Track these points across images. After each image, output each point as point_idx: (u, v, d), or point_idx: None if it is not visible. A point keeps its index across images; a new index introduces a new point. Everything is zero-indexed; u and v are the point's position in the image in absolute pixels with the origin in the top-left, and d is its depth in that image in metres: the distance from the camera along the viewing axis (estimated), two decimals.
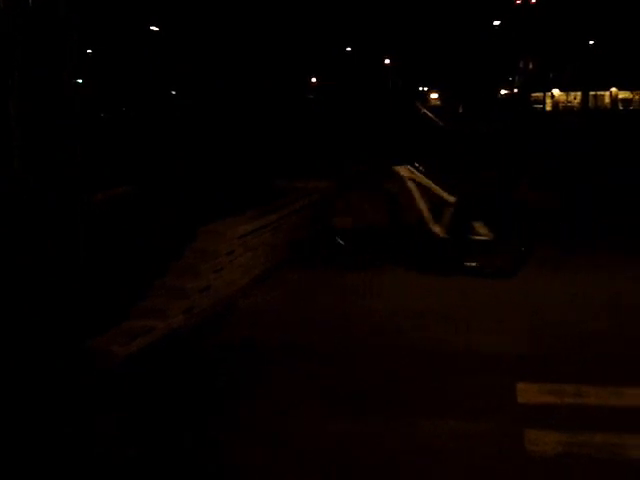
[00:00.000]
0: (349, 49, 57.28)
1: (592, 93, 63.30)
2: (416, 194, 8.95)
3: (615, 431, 4.68)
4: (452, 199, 8.95)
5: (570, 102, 67.17)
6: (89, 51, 47.24)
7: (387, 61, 60.87)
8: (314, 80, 58.60)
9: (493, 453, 4.46)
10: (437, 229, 8.89)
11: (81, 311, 6.20)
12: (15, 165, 6.02)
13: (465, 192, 8.94)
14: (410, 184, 8.98)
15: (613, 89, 66.81)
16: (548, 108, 62.81)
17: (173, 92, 48.99)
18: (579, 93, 64.30)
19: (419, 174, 9.04)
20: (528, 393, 5.34)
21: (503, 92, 65.62)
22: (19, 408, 5.13)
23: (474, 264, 8.60)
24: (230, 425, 4.96)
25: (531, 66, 60.08)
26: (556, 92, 67.50)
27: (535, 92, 61.13)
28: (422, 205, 8.96)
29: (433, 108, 23.07)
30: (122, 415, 5.13)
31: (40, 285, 6.10)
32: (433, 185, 9.01)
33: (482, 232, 8.78)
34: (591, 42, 60.20)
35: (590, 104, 61.39)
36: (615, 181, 14.27)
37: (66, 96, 6.27)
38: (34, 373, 5.56)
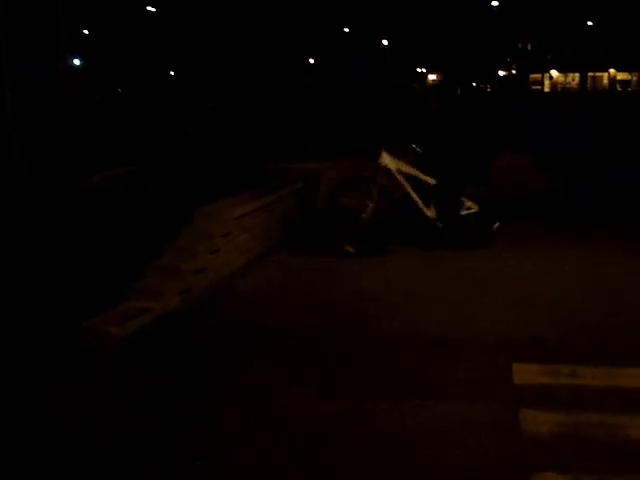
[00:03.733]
0: (347, 30, 56.95)
1: (590, 74, 63.07)
2: (407, 185, 9.12)
3: (611, 411, 4.68)
4: (433, 181, 9.25)
5: (568, 83, 66.95)
6: (86, 32, 46.96)
7: (385, 42, 60.58)
8: (312, 61, 58.39)
9: (488, 434, 4.46)
10: (429, 212, 9.13)
11: (75, 292, 6.17)
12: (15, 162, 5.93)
13: (444, 174, 9.28)
14: (399, 177, 9.11)
15: (611, 70, 66.62)
16: (546, 89, 62.61)
17: (172, 72, 48.81)
18: (577, 74, 64.07)
19: (403, 163, 9.20)
20: (524, 374, 5.34)
21: (501, 73, 65.37)
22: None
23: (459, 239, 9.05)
24: (217, 407, 4.97)
25: (529, 47, 59.91)
26: (554, 73, 67.25)
27: (533, 73, 60.97)
28: (413, 193, 9.18)
29: (431, 90, 22.92)
30: (111, 395, 5.14)
31: (36, 277, 6.07)
32: (416, 171, 9.26)
33: (469, 205, 9.12)
34: (589, 23, 59.91)
35: (589, 85, 61.17)
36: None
37: (63, 91, 6.10)
38: (21, 354, 5.55)
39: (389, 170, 9.07)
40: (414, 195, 9.14)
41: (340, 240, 8.77)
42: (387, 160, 9.04)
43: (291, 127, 15.10)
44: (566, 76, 67.95)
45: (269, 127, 14.63)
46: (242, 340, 6.22)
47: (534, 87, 58.90)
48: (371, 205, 8.78)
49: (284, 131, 14.64)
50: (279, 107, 16.99)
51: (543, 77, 63.64)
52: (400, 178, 9.09)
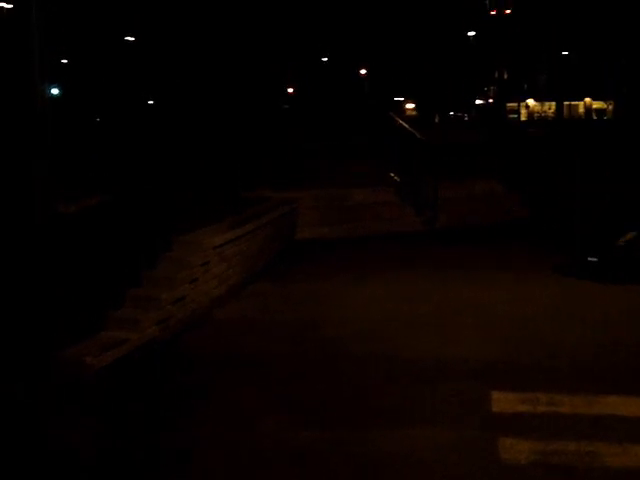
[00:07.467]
0: (325, 59, 57.40)
1: (566, 103, 63.69)
2: None
3: (588, 439, 4.70)
4: None
5: (545, 112, 67.56)
6: (64, 61, 46.93)
7: (363, 71, 61.02)
8: (291, 90, 58.65)
9: (467, 462, 4.45)
10: None
11: (50, 323, 6.13)
12: None
13: None
14: None
15: (587, 99, 67.33)
16: (523, 118, 63.16)
17: (150, 102, 48.85)
18: (554, 103, 64.69)
19: None
20: (503, 402, 5.35)
21: (478, 102, 65.96)
22: None
23: None
24: (189, 435, 4.94)
25: (506, 76, 60.49)
26: (531, 102, 67.85)
27: (510, 102, 61.53)
28: None
29: (409, 119, 23.10)
30: (88, 425, 5.10)
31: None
32: None
33: None
34: (565, 52, 60.69)
35: (565, 114, 61.73)
36: None
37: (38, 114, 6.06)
38: None
39: None
40: None
41: None
42: None
43: (270, 156, 15.19)
44: (542, 105, 68.61)
45: (249, 156, 14.70)
46: (218, 369, 6.20)
47: (511, 116, 59.44)
48: None
49: (264, 160, 14.72)
50: (258, 136, 17.07)
51: (519, 106, 64.25)
52: None
